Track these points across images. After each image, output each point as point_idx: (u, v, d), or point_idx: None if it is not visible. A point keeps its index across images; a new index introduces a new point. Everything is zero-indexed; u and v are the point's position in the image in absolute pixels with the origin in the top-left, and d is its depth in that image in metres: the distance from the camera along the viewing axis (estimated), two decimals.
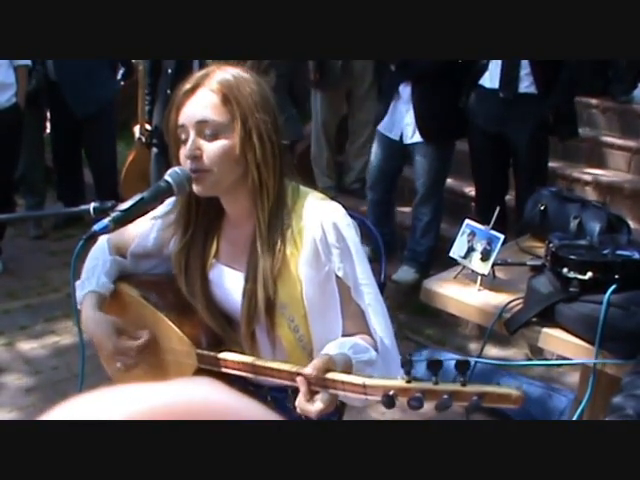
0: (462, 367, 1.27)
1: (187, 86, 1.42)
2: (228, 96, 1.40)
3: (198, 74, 1.43)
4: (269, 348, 1.55)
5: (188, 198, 1.52)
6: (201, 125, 1.40)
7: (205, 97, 1.40)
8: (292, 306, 1.48)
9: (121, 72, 4.91)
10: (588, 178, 4.42)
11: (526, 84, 3.47)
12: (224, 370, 1.52)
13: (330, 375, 1.34)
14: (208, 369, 1.54)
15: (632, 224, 2.74)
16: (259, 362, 1.48)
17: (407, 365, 1.31)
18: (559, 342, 1.87)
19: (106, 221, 1.37)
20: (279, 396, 1.62)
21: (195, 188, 1.44)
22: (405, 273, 4.01)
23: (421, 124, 3.74)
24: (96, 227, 1.36)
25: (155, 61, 4.13)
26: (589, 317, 1.80)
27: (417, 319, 3.82)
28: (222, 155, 1.41)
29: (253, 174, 1.44)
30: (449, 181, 4.70)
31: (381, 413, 3.03)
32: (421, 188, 3.94)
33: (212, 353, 1.52)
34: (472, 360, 2.32)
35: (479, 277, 2.11)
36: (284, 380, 1.42)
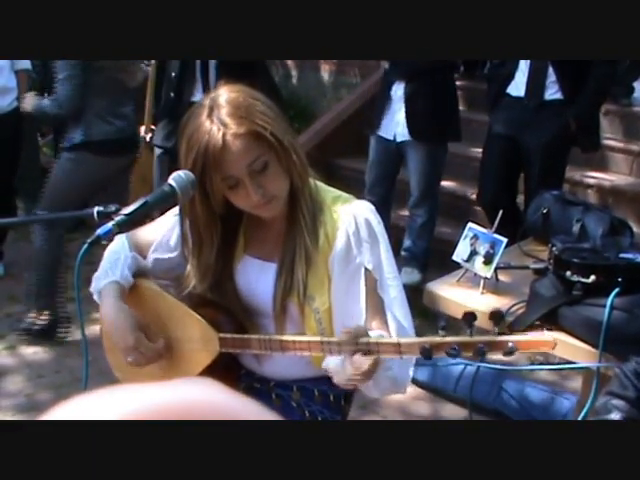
0: (496, 317, 1.29)
1: (217, 143, 1.43)
2: (254, 129, 1.44)
3: (212, 120, 1.43)
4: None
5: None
6: (250, 166, 1.45)
7: (239, 142, 1.43)
8: (319, 298, 1.53)
9: None
10: (590, 181, 4.42)
11: (551, 92, 3.45)
12: (247, 351, 1.56)
13: (364, 339, 1.38)
14: (218, 366, 1.55)
15: (635, 227, 2.74)
16: (286, 337, 1.51)
17: (441, 320, 1.36)
18: (562, 345, 1.87)
19: (110, 225, 1.37)
20: (284, 394, 1.65)
21: (267, 214, 1.53)
22: (409, 276, 3.98)
23: (411, 122, 3.73)
24: (100, 231, 1.36)
25: (160, 66, 4.14)
26: (592, 320, 1.80)
27: (419, 323, 3.82)
28: (279, 178, 1.49)
29: (296, 179, 1.52)
30: (451, 184, 4.70)
31: (383, 416, 3.02)
32: (415, 189, 3.92)
33: (237, 335, 1.55)
34: (475, 364, 2.32)
35: (482, 280, 2.11)
36: (314, 352, 1.47)
